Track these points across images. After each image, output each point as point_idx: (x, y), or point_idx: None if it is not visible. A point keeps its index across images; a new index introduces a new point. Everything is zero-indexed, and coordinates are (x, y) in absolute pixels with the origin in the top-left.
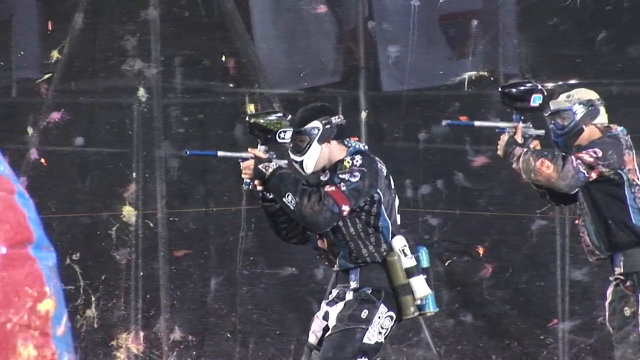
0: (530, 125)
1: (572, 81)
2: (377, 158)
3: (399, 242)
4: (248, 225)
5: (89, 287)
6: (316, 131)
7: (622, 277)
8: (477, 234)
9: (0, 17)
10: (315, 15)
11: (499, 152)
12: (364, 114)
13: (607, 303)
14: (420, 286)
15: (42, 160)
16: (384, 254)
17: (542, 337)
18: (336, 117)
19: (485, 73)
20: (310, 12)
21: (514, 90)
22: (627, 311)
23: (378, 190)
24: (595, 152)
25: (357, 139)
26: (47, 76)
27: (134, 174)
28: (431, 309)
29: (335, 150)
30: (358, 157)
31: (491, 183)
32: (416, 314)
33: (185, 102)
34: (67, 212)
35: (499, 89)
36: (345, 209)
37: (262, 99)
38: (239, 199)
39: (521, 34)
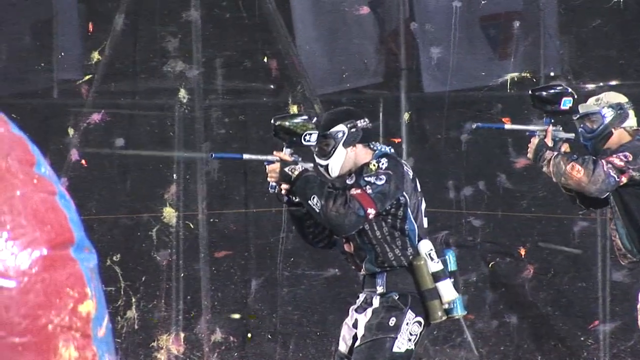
0: (560, 129)
1: (614, 82)
2: (403, 161)
3: (426, 246)
4: (289, 226)
5: (130, 288)
6: (341, 135)
7: None
8: (518, 235)
9: (42, 18)
10: (357, 16)
11: (529, 155)
12: (405, 116)
13: (639, 306)
14: (447, 290)
15: (83, 161)
16: (411, 257)
17: (582, 339)
18: (361, 120)
19: (527, 74)
20: (352, 14)
21: (544, 93)
22: None
23: (404, 193)
24: (625, 156)
25: (399, 140)
26: (87, 77)
27: (174, 175)
28: (459, 312)
29: (361, 154)
30: (384, 160)
31: (533, 184)
32: (444, 318)
33: (226, 104)
34: (107, 214)
35: (530, 92)
36: (371, 212)
37: (304, 100)
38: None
39: (563, 35)
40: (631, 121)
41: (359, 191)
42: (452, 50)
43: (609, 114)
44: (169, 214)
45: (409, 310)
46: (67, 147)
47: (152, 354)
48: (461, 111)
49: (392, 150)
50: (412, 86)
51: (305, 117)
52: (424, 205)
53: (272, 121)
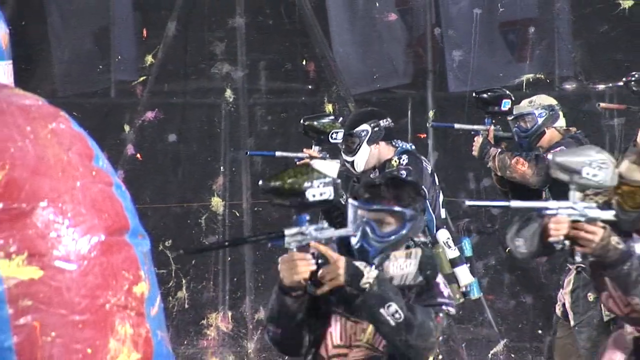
0: (500, 129)
1: (620, 83)
2: (422, 157)
3: (443, 235)
4: None
5: (180, 271)
6: (365, 133)
7: (583, 265)
8: None
9: (101, 25)
10: (387, 22)
11: (474, 153)
12: (431, 113)
13: (567, 291)
14: (464, 275)
15: (138, 155)
16: (429, 246)
17: None
18: (384, 120)
19: (542, 76)
20: (382, 20)
21: (486, 95)
22: (591, 297)
23: (422, 187)
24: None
25: (424, 135)
26: (142, 78)
27: (221, 167)
28: (475, 294)
29: (384, 151)
30: (405, 157)
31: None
32: (461, 300)
33: (268, 102)
34: (160, 203)
35: (473, 94)
36: None
37: (338, 99)
38: None
39: (575, 39)
40: (561, 122)
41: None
42: (473, 54)
43: (541, 115)
44: (217, 203)
45: None
46: (123, 142)
47: (202, 331)
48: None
49: (413, 147)
50: (437, 86)
51: (332, 117)
52: (441, 197)
53: (301, 121)
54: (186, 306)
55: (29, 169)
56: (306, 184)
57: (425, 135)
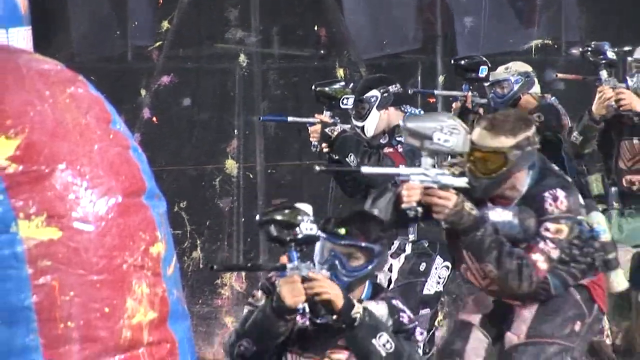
0: (477, 95)
1: (627, 47)
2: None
3: None
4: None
5: (195, 231)
6: (375, 99)
7: None
8: None
9: None
10: None
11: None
12: (441, 78)
13: None
14: None
15: (154, 118)
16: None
17: None
18: (393, 86)
19: (550, 41)
20: None
21: (463, 62)
22: None
23: None
24: (538, 117)
25: (433, 100)
26: (158, 44)
27: (235, 130)
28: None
29: (393, 116)
30: None
31: None
32: None
33: (281, 67)
34: (175, 165)
35: (452, 62)
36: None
37: (349, 64)
38: None
39: (581, 5)
40: (536, 88)
41: (391, 150)
42: (483, 19)
43: (517, 82)
44: (231, 165)
45: (438, 256)
46: (139, 106)
47: (217, 290)
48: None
49: (422, 112)
50: (447, 51)
51: (342, 83)
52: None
53: (313, 87)
54: (201, 266)
55: (48, 132)
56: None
57: (434, 100)
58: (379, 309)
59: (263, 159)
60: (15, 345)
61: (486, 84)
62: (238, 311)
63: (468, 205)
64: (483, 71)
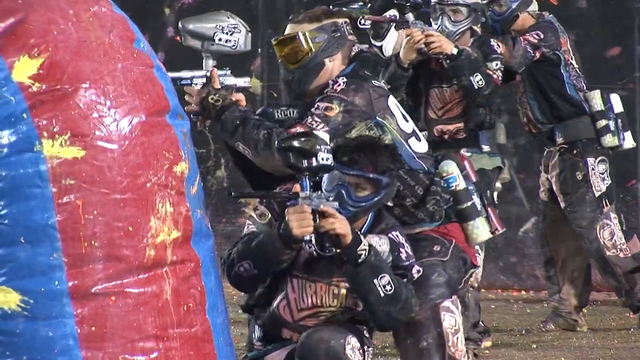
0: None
1: None
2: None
3: None
4: None
5: (219, 150)
6: (393, 18)
7: (565, 146)
8: None
9: None
10: None
11: None
12: None
13: (554, 174)
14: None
15: (178, 37)
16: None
17: (621, 195)
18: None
19: None
20: None
21: None
22: (579, 175)
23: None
24: (537, 34)
25: None
26: None
27: (259, 49)
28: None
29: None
30: None
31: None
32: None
33: None
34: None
35: None
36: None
37: None
38: None
39: None
40: (534, 6)
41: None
42: None
43: (515, 0)
44: (255, 83)
45: None
46: (164, 24)
47: (240, 209)
48: None
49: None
50: None
51: (361, 3)
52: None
53: (330, 7)
54: (225, 184)
55: (72, 51)
56: (317, 147)
57: None
58: (381, 244)
59: None
60: (39, 264)
61: (484, 1)
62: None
63: (214, 98)
64: None
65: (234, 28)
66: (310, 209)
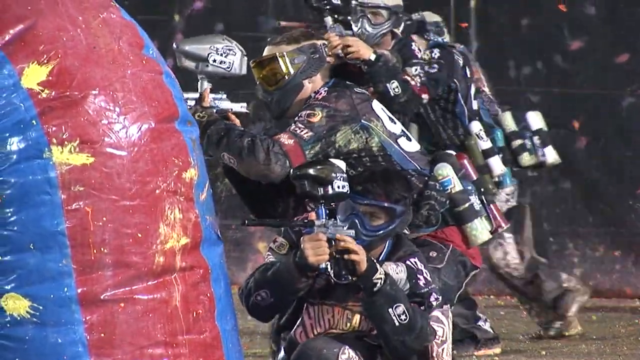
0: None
1: None
2: (455, 48)
3: (475, 127)
4: None
5: None
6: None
7: None
8: (573, 109)
9: None
10: None
11: None
12: (472, 2)
13: None
14: (497, 165)
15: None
16: (462, 137)
17: (630, 202)
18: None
19: None
20: None
21: None
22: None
23: (455, 80)
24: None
25: (466, 25)
26: None
27: None
28: (507, 182)
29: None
30: (436, 50)
31: (586, 64)
32: (494, 190)
33: None
34: None
35: None
36: (425, 97)
37: None
38: None
39: None
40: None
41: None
42: None
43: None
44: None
45: None
46: (173, 31)
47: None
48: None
49: (446, 40)
50: None
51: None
52: (473, 89)
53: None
54: (234, 191)
55: (81, 57)
56: (333, 175)
57: (467, 25)
58: (398, 272)
59: None
60: (49, 271)
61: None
62: (271, 236)
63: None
64: None
65: (229, 50)
66: (326, 237)
